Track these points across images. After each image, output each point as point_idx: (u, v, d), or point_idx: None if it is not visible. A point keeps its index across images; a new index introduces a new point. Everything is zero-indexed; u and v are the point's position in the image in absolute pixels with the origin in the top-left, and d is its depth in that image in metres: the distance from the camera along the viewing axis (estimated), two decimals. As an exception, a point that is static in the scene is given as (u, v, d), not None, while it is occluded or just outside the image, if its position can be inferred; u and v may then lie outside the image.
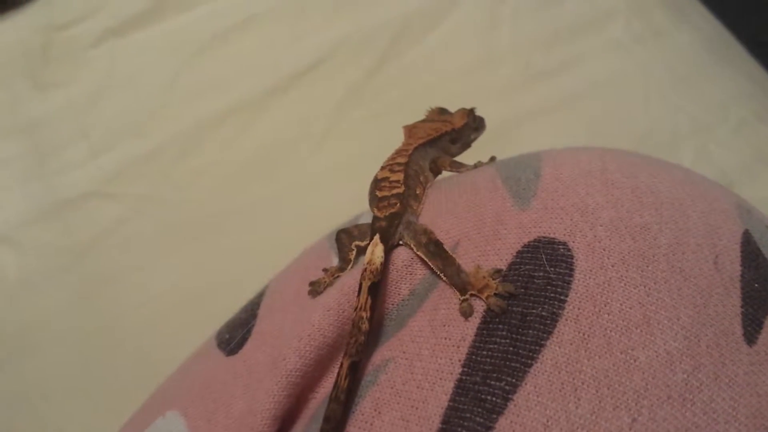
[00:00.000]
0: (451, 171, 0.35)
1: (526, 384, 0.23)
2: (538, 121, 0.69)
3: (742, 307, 0.25)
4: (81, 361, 0.57)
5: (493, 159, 0.35)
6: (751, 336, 0.24)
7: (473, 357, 0.25)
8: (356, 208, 0.39)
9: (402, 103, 0.68)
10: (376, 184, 0.32)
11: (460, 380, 0.25)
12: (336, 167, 0.65)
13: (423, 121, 0.38)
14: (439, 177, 0.36)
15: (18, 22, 0.70)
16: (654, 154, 0.65)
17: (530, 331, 0.25)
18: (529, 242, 0.27)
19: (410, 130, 0.36)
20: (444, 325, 0.27)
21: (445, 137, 0.36)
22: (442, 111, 0.38)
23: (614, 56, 0.73)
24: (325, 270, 0.32)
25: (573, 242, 0.26)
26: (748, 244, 0.26)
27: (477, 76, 0.71)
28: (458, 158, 0.36)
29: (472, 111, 0.38)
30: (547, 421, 0.22)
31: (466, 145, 0.38)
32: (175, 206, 0.63)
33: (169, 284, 0.60)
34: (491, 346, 0.25)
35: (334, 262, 0.33)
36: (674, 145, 0.67)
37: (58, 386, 0.56)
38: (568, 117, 0.69)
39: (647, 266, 0.25)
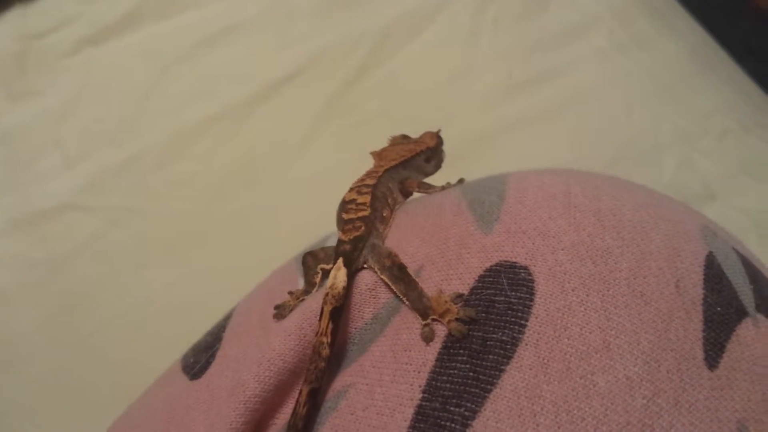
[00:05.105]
0: (419, 192, 0.35)
1: (485, 410, 0.23)
2: (520, 131, 0.68)
3: (703, 330, 0.24)
4: (58, 377, 0.56)
5: (461, 181, 0.35)
6: (712, 360, 0.24)
7: (433, 382, 0.25)
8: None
9: (382, 112, 0.68)
10: (343, 206, 0.32)
11: (420, 406, 0.24)
12: (316, 178, 0.65)
13: (391, 145, 0.37)
14: (410, 198, 0.35)
15: (-8, 30, 0.69)
16: (637, 164, 0.66)
17: (490, 356, 0.25)
18: (491, 266, 0.27)
19: (380, 154, 0.36)
20: (405, 350, 0.26)
21: (420, 157, 0.36)
22: (405, 137, 0.38)
23: (597, 65, 0.72)
24: (290, 293, 0.32)
25: (534, 266, 0.26)
26: (711, 267, 0.26)
27: (458, 86, 0.71)
28: (428, 180, 0.36)
29: (438, 132, 0.38)
30: None
31: (439, 164, 0.38)
32: (152, 218, 0.63)
33: (146, 298, 0.59)
34: (452, 371, 0.25)
35: (301, 284, 0.33)
36: (657, 154, 0.67)
37: (35, 402, 0.56)
38: (550, 127, 0.69)
39: (608, 290, 0.25)
